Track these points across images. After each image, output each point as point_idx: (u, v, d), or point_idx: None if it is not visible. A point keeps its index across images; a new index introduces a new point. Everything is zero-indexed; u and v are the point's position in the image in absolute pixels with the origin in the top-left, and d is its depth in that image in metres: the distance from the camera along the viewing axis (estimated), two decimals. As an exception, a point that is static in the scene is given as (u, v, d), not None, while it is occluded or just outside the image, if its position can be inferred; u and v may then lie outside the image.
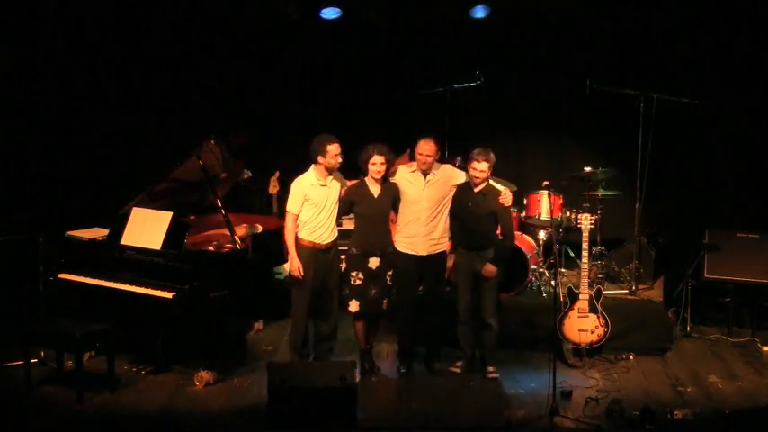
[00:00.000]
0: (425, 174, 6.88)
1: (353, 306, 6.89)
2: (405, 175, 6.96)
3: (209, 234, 7.49)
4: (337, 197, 6.93)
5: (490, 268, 6.88)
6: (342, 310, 7.01)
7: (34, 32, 8.49)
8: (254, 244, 7.37)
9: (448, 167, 7.08)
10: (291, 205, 6.88)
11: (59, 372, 6.95)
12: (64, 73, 8.62)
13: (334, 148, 6.82)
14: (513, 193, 8.35)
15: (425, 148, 6.83)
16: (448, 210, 6.94)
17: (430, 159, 6.84)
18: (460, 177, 6.98)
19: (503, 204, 6.88)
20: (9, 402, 6.57)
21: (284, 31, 8.92)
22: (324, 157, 6.81)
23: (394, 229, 7.00)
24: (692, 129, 8.64)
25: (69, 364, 6.95)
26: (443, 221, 6.94)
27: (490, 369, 7.05)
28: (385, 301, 6.91)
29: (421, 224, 6.87)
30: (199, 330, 6.88)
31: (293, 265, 6.88)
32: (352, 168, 7.33)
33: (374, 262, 6.85)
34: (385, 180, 6.89)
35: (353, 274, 6.86)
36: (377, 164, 6.79)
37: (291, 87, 9.07)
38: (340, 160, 6.85)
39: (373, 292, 6.85)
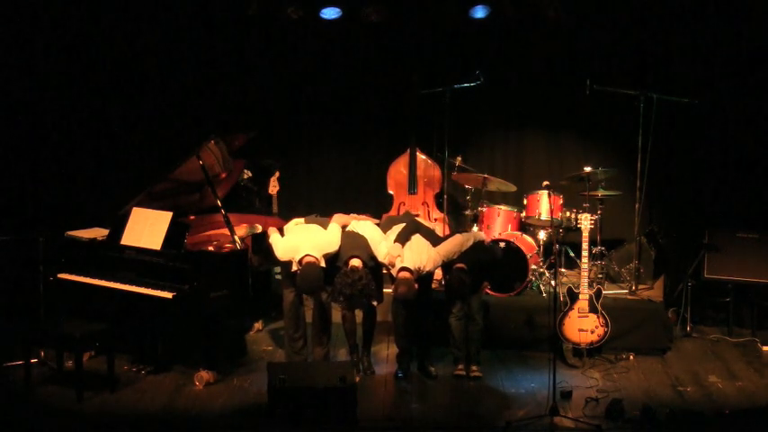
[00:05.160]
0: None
1: (337, 305, 6.88)
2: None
3: (209, 234, 7.49)
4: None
5: (487, 288, 7.10)
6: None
7: (34, 31, 8.49)
8: (253, 244, 7.37)
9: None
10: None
11: (59, 372, 6.95)
12: (64, 72, 8.61)
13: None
14: (513, 194, 8.46)
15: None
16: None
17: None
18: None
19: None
20: (9, 402, 6.57)
21: (284, 31, 8.91)
22: None
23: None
24: (692, 129, 8.63)
25: (69, 364, 6.95)
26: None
27: (474, 368, 7.04)
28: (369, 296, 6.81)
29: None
30: (199, 330, 6.88)
31: None
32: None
33: (356, 261, 6.80)
34: None
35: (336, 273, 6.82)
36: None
37: (291, 87, 9.06)
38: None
39: (359, 288, 6.82)
